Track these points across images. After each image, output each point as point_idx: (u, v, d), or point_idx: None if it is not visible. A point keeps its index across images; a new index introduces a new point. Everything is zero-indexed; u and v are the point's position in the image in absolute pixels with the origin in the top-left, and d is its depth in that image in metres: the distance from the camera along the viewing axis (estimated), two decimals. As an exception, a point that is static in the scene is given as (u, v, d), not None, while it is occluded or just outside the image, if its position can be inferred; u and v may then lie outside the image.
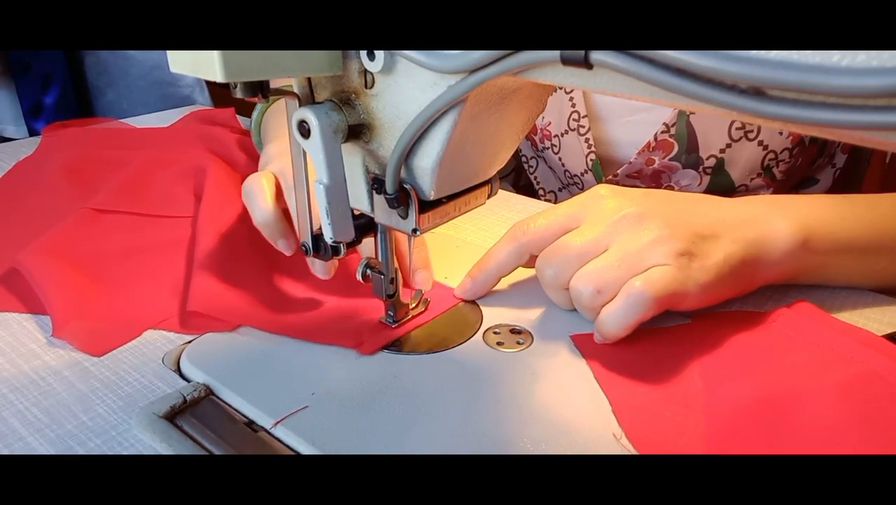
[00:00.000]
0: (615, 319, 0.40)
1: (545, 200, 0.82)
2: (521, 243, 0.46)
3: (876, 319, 0.46)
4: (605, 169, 0.71)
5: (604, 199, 0.44)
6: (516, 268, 0.47)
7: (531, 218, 0.46)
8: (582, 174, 0.73)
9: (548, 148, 0.75)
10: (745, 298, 0.49)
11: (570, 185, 0.76)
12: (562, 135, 0.72)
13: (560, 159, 0.74)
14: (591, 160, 0.70)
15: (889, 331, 0.43)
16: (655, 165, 0.68)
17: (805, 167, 0.68)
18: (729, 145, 0.65)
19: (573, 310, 0.45)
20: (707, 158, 0.66)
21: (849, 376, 0.37)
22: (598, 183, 0.67)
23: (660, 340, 0.43)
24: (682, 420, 0.36)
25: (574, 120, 0.70)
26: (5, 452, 0.34)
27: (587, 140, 0.69)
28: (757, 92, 0.22)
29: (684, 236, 0.41)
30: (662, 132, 0.65)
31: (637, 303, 0.39)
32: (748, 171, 0.66)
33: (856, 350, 0.39)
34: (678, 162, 0.67)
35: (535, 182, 0.83)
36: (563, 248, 0.43)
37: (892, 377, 0.37)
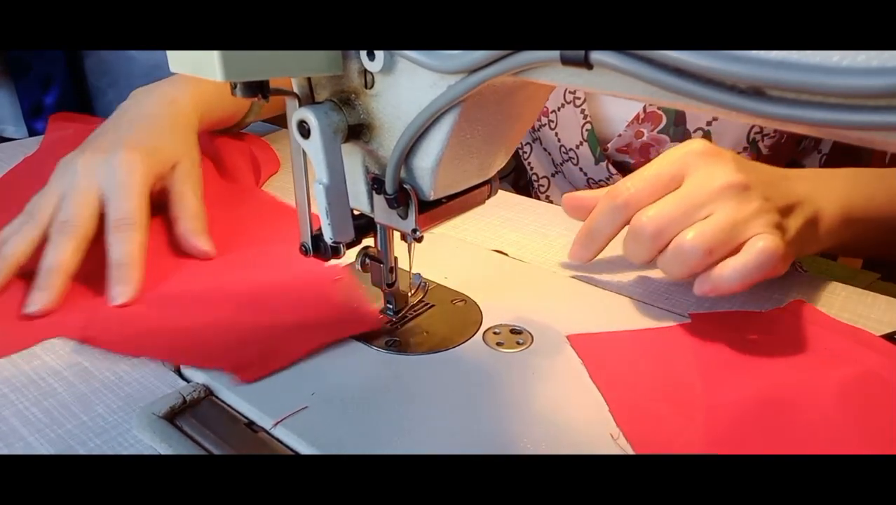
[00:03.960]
0: (740, 273, 0.41)
1: (539, 186, 0.84)
2: (619, 204, 0.46)
3: (876, 318, 0.46)
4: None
5: (702, 161, 0.45)
6: (621, 229, 0.47)
7: (628, 177, 0.46)
8: (577, 146, 0.74)
9: (544, 125, 0.77)
10: (745, 298, 0.49)
11: (565, 162, 0.77)
12: (558, 109, 0.74)
13: (556, 134, 0.76)
14: (587, 130, 0.72)
15: (888, 331, 0.43)
16: (644, 139, 0.69)
17: (791, 145, 0.68)
18: (715, 118, 0.66)
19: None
20: (694, 131, 0.67)
21: (848, 376, 0.37)
22: (592, 155, 0.72)
23: (658, 339, 0.43)
24: (681, 420, 0.36)
25: (570, 93, 0.73)
26: (5, 451, 0.34)
27: (583, 111, 0.71)
28: (757, 92, 0.22)
29: (776, 210, 0.44)
30: (651, 104, 0.66)
31: (764, 258, 0.41)
32: (733, 144, 0.67)
33: (855, 350, 0.40)
34: (666, 135, 0.68)
35: (528, 168, 0.84)
36: (668, 207, 0.44)
37: (891, 377, 0.37)
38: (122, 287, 0.47)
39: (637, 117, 0.69)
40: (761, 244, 0.41)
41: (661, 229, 0.43)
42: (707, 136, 0.67)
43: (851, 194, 0.50)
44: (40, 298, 0.45)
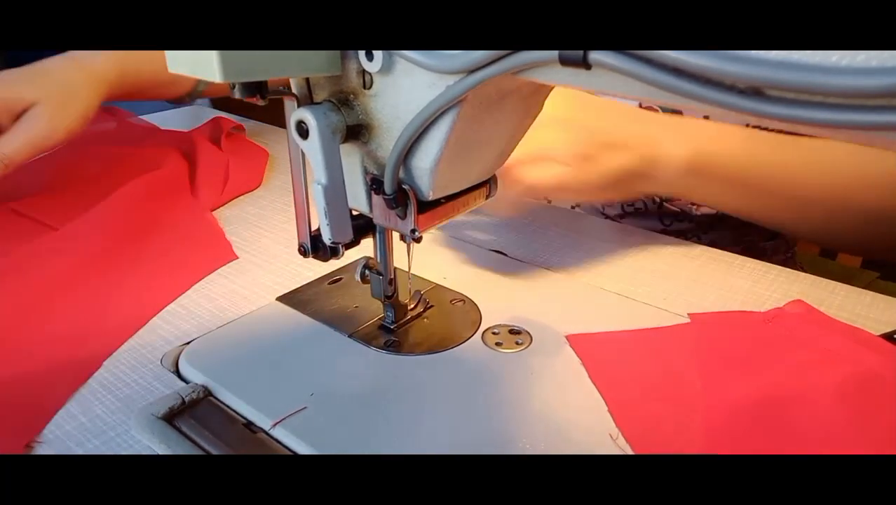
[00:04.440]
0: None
1: None
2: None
3: (875, 318, 0.46)
4: None
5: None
6: None
7: None
8: None
9: None
10: (746, 297, 0.49)
11: None
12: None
13: None
14: None
15: (888, 330, 0.43)
16: None
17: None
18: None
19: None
20: None
21: (847, 376, 0.37)
22: None
23: (658, 339, 0.43)
24: (680, 420, 0.36)
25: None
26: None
27: None
28: (756, 92, 0.22)
29: (588, 142, 0.50)
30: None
31: (534, 187, 0.49)
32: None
33: (854, 350, 0.40)
34: None
35: None
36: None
37: (890, 377, 0.37)
38: None
39: None
40: (538, 174, 0.49)
41: None
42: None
43: (704, 143, 0.53)
44: None
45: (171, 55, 0.30)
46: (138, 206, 0.59)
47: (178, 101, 0.80)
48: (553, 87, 0.39)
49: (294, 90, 0.36)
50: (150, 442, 0.35)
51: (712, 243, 0.60)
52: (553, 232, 0.60)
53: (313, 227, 0.39)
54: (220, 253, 0.54)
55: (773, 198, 0.56)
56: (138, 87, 0.67)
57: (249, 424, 0.36)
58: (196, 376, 0.39)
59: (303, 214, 0.39)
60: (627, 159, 0.51)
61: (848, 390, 0.36)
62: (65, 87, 0.57)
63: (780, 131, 0.62)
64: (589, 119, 0.51)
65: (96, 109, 0.61)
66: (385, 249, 0.41)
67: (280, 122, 0.91)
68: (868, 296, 0.49)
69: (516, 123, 0.37)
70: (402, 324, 0.44)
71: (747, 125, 0.63)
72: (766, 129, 0.60)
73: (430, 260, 0.52)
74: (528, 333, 0.44)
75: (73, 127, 0.58)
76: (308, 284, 0.50)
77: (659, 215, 0.69)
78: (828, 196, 0.54)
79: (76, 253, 0.52)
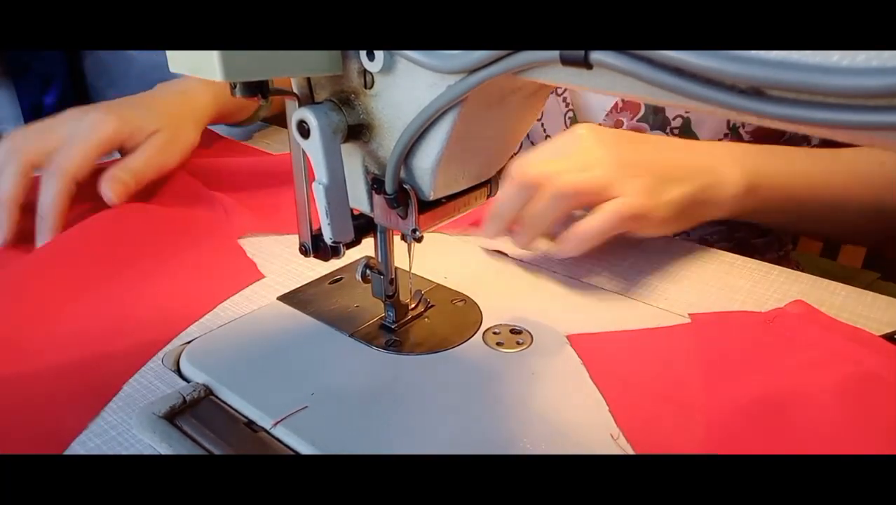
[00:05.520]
0: (588, 230, 0.47)
1: None
2: (526, 183, 0.49)
3: (875, 318, 0.46)
4: None
5: (584, 138, 0.51)
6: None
7: (525, 157, 0.51)
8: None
9: None
10: (746, 297, 0.49)
11: None
12: (547, 98, 0.74)
13: (542, 125, 0.76)
14: (569, 118, 0.72)
15: (888, 331, 0.43)
16: (624, 127, 0.69)
17: (775, 133, 0.69)
18: None
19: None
20: (674, 119, 0.67)
21: (848, 376, 0.37)
22: None
23: (658, 339, 0.43)
24: (681, 420, 0.36)
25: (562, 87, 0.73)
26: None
27: (564, 99, 0.72)
28: (756, 92, 0.22)
29: (647, 177, 0.49)
30: None
31: (611, 216, 0.47)
32: (715, 131, 0.67)
33: (854, 350, 0.40)
34: (646, 123, 0.69)
35: None
36: (545, 166, 0.49)
37: (891, 377, 0.37)
38: (40, 236, 0.54)
39: (616, 106, 0.69)
40: (611, 205, 0.47)
41: (539, 178, 0.48)
42: (687, 123, 0.67)
43: (758, 166, 0.55)
44: None
45: (172, 55, 0.30)
46: (168, 222, 0.58)
47: (243, 124, 0.84)
48: (554, 87, 0.39)
49: (295, 90, 0.36)
50: (152, 441, 0.35)
51: (702, 239, 0.60)
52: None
53: (314, 227, 0.39)
54: (245, 274, 0.53)
55: (822, 210, 0.58)
56: (225, 115, 0.76)
57: (250, 424, 0.36)
58: (197, 375, 0.39)
59: (304, 214, 0.39)
60: (689, 189, 0.51)
61: (848, 390, 0.36)
62: (178, 119, 0.64)
63: (766, 131, 0.64)
64: (642, 153, 0.51)
65: (198, 138, 0.68)
66: (386, 249, 0.41)
67: (281, 121, 0.92)
68: (868, 296, 0.49)
69: (517, 123, 0.37)
70: (403, 323, 0.44)
71: (734, 127, 0.65)
72: (807, 142, 0.64)
73: (430, 259, 0.52)
74: (529, 333, 0.44)
75: (185, 153, 0.65)
76: (309, 283, 0.50)
77: None
78: (867, 202, 0.58)
79: (97, 260, 0.52)
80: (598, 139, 0.51)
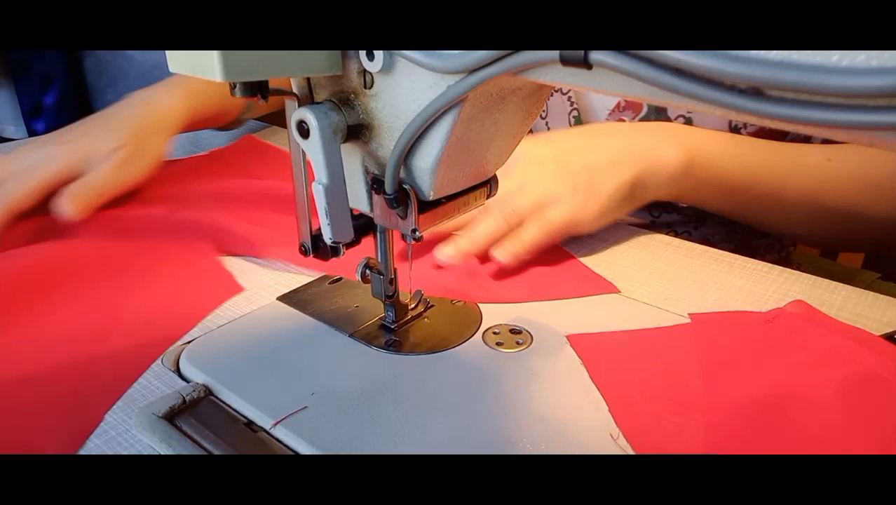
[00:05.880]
0: (523, 241, 0.51)
1: None
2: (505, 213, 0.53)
3: (875, 318, 0.46)
4: None
5: (520, 158, 0.54)
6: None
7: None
8: None
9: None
10: (746, 297, 0.49)
11: None
12: (548, 98, 0.74)
13: (547, 124, 0.76)
14: (573, 117, 0.73)
15: (888, 330, 0.43)
16: None
17: (776, 133, 0.69)
18: None
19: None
20: (675, 118, 0.67)
21: (847, 376, 0.37)
22: None
23: (658, 339, 0.43)
24: (681, 420, 0.36)
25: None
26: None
27: (569, 97, 0.72)
28: (756, 92, 0.22)
29: (577, 174, 0.52)
30: None
31: (540, 231, 0.51)
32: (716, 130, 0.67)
33: (854, 350, 0.40)
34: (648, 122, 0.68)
35: None
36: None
37: (891, 377, 0.37)
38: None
39: (618, 105, 0.69)
40: (537, 222, 0.51)
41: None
42: (688, 123, 0.67)
43: (696, 146, 0.56)
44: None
45: (171, 55, 0.30)
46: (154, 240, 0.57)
47: (226, 128, 0.83)
48: (554, 86, 0.39)
49: (295, 90, 0.36)
50: (151, 441, 0.35)
51: (703, 239, 0.60)
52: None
53: (314, 227, 0.39)
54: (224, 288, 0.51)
55: (759, 198, 0.59)
56: (200, 121, 0.74)
57: (250, 424, 0.36)
58: (197, 376, 0.39)
59: (304, 214, 0.39)
60: (626, 175, 0.53)
61: (848, 390, 0.36)
62: (142, 132, 0.64)
63: (769, 131, 0.64)
64: (572, 151, 0.54)
65: (168, 147, 0.67)
66: (386, 249, 0.41)
67: (280, 121, 0.92)
68: (868, 296, 0.49)
69: (517, 123, 0.37)
70: (403, 323, 0.44)
71: (736, 127, 0.65)
72: (809, 143, 0.64)
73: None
74: (529, 333, 0.44)
75: (151, 165, 0.64)
76: (309, 283, 0.50)
77: (647, 207, 0.70)
78: (805, 196, 0.59)
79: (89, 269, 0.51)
80: (533, 154, 0.54)
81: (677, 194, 0.58)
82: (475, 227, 0.52)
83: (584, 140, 0.56)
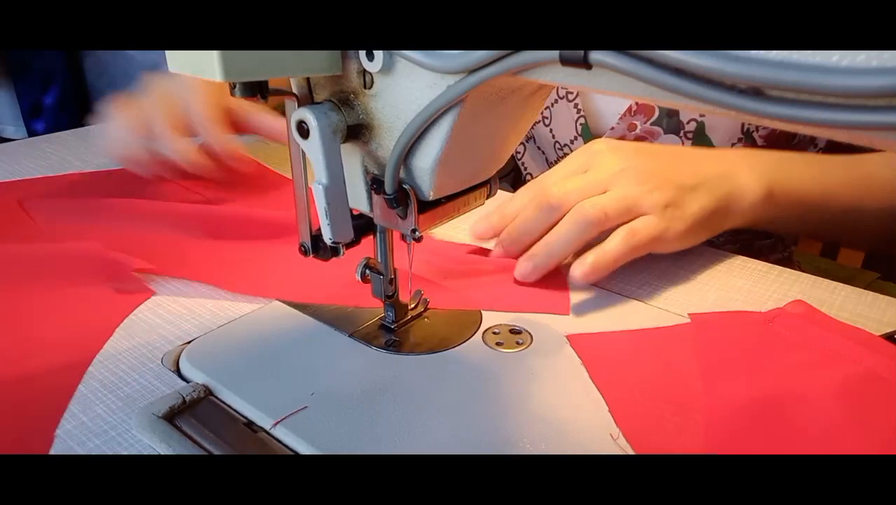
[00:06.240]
0: (607, 255, 0.47)
1: None
2: (542, 204, 0.49)
3: (875, 318, 0.46)
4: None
5: (602, 154, 0.51)
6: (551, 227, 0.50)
7: (543, 176, 0.51)
8: (571, 141, 0.74)
9: (539, 122, 0.77)
10: (746, 297, 0.49)
11: (560, 159, 0.77)
12: (552, 105, 0.74)
13: (551, 130, 0.76)
14: (581, 124, 0.72)
15: (888, 330, 0.43)
16: (637, 131, 0.69)
17: (786, 137, 0.69)
18: None
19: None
20: (688, 123, 0.67)
21: (848, 376, 0.37)
22: None
23: (658, 339, 0.43)
24: (681, 420, 0.36)
25: (563, 88, 0.73)
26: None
27: (576, 105, 0.72)
28: (756, 92, 0.22)
29: (669, 189, 0.49)
30: None
31: (627, 245, 0.47)
32: (729, 135, 0.67)
33: (854, 350, 0.40)
34: (659, 127, 0.68)
35: (522, 169, 0.84)
36: (566, 184, 0.49)
37: (891, 377, 0.37)
38: None
39: (630, 110, 0.69)
40: (629, 233, 0.47)
41: (562, 203, 0.48)
42: (700, 127, 0.67)
43: (775, 173, 0.54)
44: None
45: (171, 55, 0.30)
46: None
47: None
48: (554, 87, 0.39)
49: (295, 90, 0.36)
50: (151, 441, 0.35)
51: (708, 241, 0.60)
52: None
53: (314, 227, 0.39)
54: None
55: (839, 217, 0.58)
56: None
57: (250, 424, 0.36)
58: (197, 376, 0.39)
59: (303, 214, 0.39)
60: (708, 199, 0.51)
61: (848, 390, 0.36)
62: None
63: (780, 133, 0.64)
64: (661, 164, 0.51)
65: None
66: (386, 249, 0.41)
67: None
68: (868, 296, 0.49)
69: (517, 123, 0.37)
70: (403, 323, 0.44)
71: (748, 131, 0.64)
72: (814, 144, 0.64)
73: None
74: (529, 333, 0.44)
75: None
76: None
77: None
78: (884, 208, 0.58)
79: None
80: (615, 154, 0.51)
81: (754, 221, 0.55)
82: (552, 236, 0.48)
83: (664, 157, 0.53)
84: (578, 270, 0.47)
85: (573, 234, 0.48)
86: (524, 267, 0.49)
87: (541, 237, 0.49)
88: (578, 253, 0.48)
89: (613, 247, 0.47)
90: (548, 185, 0.50)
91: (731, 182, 0.52)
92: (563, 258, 0.49)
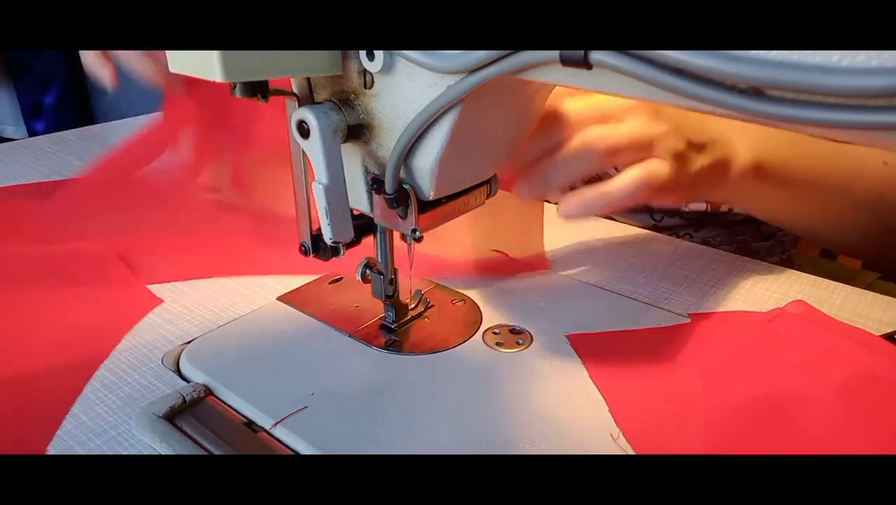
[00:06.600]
0: (609, 194, 0.42)
1: None
2: (549, 122, 0.44)
3: (875, 318, 0.46)
4: None
5: (617, 100, 0.46)
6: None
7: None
8: None
9: None
10: (746, 297, 0.49)
11: None
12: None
13: None
14: None
15: (888, 330, 0.43)
16: None
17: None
18: None
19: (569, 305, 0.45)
20: None
21: (847, 376, 0.37)
22: None
23: (658, 339, 0.43)
24: (681, 420, 0.36)
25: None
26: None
27: None
28: (756, 92, 0.22)
29: (679, 139, 0.45)
30: None
31: (640, 183, 0.42)
32: None
33: (854, 350, 0.40)
34: None
35: None
36: (574, 108, 0.44)
37: (891, 377, 0.37)
38: None
39: None
40: (641, 172, 0.42)
41: (571, 123, 0.43)
42: None
43: (767, 148, 0.51)
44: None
45: (171, 55, 0.30)
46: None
47: None
48: (554, 87, 0.39)
49: (295, 90, 0.36)
50: (152, 441, 0.35)
51: (704, 242, 0.60)
52: (553, 232, 0.60)
53: (314, 227, 0.39)
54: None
55: (822, 204, 0.55)
56: None
57: (250, 424, 0.36)
58: (197, 375, 0.39)
59: (304, 214, 0.39)
60: (708, 160, 0.47)
61: (848, 390, 0.36)
62: None
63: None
64: (671, 116, 0.46)
65: None
66: (386, 249, 0.41)
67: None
68: (868, 296, 0.49)
69: (517, 123, 0.37)
70: (403, 323, 0.44)
71: None
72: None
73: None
74: (529, 333, 0.44)
75: None
76: (309, 283, 0.50)
77: (649, 210, 0.69)
78: (867, 203, 0.55)
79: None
80: (621, 99, 0.45)
81: (737, 194, 0.52)
82: (558, 162, 0.43)
83: (675, 112, 0.47)
84: (573, 199, 0.43)
85: (575, 161, 0.43)
86: (517, 189, 0.44)
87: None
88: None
89: (623, 183, 0.42)
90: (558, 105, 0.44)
91: (727, 148, 0.49)
92: (558, 187, 0.44)
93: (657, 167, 0.43)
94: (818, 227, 0.59)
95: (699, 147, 0.46)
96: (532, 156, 0.44)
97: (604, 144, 0.42)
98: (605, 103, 0.44)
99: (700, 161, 0.46)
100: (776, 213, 0.57)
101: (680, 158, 0.44)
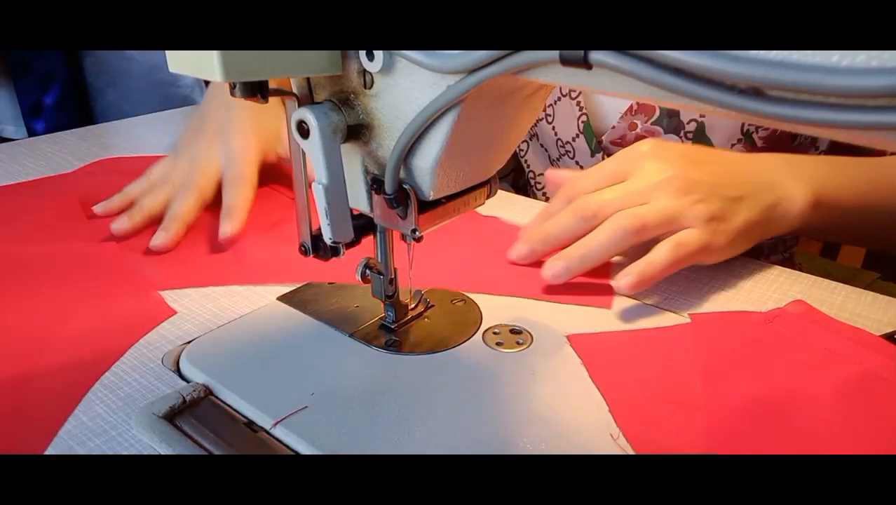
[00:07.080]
0: (653, 266, 0.46)
1: (536, 183, 0.83)
2: (581, 214, 0.49)
3: (875, 318, 0.46)
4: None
5: (646, 159, 0.50)
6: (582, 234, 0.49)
7: (579, 178, 0.51)
8: (573, 139, 0.74)
9: (542, 119, 0.77)
10: (746, 297, 0.49)
11: (562, 157, 0.77)
12: (555, 103, 0.74)
13: (553, 128, 0.76)
14: (583, 122, 0.72)
15: (888, 331, 0.43)
16: (638, 130, 0.69)
17: (787, 139, 0.68)
18: None
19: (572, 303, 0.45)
20: (688, 123, 0.67)
21: (848, 376, 0.37)
22: (588, 147, 0.72)
23: (659, 339, 0.43)
24: (681, 420, 0.36)
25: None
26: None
27: (578, 102, 0.71)
28: (756, 92, 0.22)
29: (714, 201, 0.48)
30: None
31: (673, 256, 0.46)
32: (728, 136, 0.67)
33: (854, 350, 0.40)
34: (660, 126, 0.68)
35: (525, 166, 0.84)
36: (609, 193, 0.49)
37: (891, 377, 0.37)
38: (229, 225, 0.56)
39: (630, 109, 0.69)
40: (674, 244, 0.46)
41: (595, 214, 0.48)
42: (701, 127, 0.67)
43: (822, 179, 0.53)
44: (162, 237, 0.55)
45: (171, 55, 0.30)
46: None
47: None
48: (554, 86, 0.39)
49: (295, 90, 0.36)
50: (151, 441, 0.35)
51: None
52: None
53: (314, 227, 0.39)
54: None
55: (882, 222, 0.57)
56: None
57: (250, 424, 0.36)
58: (197, 375, 0.39)
59: (304, 214, 0.39)
60: (753, 211, 0.49)
61: (848, 390, 0.36)
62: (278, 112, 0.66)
63: (781, 134, 0.63)
64: (707, 174, 0.49)
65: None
66: (386, 249, 0.41)
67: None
68: (869, 296, 0.49)
69: (517, 123, 0.37)
70: (403, 323, 0.44)
71: (748, 132, 0.64)
72: (815, 147, 0.62)
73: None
74: (529, 333, 0.44)
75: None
76: (309, 283, 0.50)
77: None
78: None
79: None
80: (659, 160, 0.49)
81: (800, 229, 0.54)
82: (590, 241, 0.48)
83: (710, 164, 0.51)
84: (623, 280, 0.46)
85: (611, 242, 0.47)
86: (556, 266, 0.48)
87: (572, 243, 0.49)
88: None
89: (659, 258, 0.46)
90: (586, 193, 0.49)
91: (778, 191, 0.51)
92: (594, 265, 0.48)
93: (686, 238, 0.47)
94: (881, 240, 0.61)
95: (739, 200, 0.49)
96: (562, 241, 0.50)
97: (635, 225, 0.46)
98: (633, 186, 0.49)
99: (744, 213, 0.49)
100: (839, 237, 0.61)
101: (716, 220, 0.47)
